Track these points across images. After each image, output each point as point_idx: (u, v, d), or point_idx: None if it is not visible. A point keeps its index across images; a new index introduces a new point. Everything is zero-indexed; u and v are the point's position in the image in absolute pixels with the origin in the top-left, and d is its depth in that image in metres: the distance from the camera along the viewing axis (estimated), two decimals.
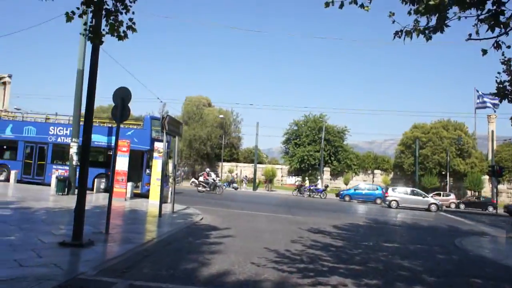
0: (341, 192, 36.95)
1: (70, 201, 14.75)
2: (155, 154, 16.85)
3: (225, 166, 53.16)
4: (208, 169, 39.23)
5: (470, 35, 6.21)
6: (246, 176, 47.39)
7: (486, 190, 44.93)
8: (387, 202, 29.37)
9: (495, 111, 48.15)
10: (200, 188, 29.74)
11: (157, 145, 16.84)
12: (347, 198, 34.66)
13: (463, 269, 8.44)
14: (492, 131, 46.01)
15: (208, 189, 29.31)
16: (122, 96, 9.01)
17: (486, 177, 44.77)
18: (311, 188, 37.92)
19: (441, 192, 39.37)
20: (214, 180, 30.48)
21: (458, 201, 37.84)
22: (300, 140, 50.61)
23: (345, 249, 9.31)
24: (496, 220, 25.62)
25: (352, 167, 49.76)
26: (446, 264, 8.73)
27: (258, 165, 51.32)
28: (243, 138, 65.07)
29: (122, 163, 17.32)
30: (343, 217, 18.35)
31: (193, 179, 39.66)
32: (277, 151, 68.35)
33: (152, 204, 15.83)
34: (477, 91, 47.34)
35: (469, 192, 44.24)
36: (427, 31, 6.06)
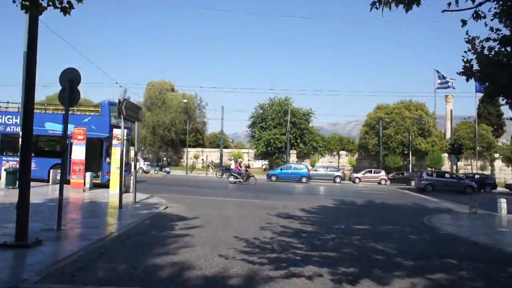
0: (268, 173, 37.20)
1: None
2: (114, 142, 15.90)
3: (191, 152, 52.14)
4: (240, 159, 37.92)
5: (449, 4, 5.82)
6: (212, 161, 46.67)
7: (446, 167, 46.57)
8: (422, 186, 29.13)
9: (454, 88, 49.47)
10: (231, 179, 27.91)
11: (116, 131, 15.87)
12: (273, 178, 34.66)
13: (436, 249, 8.28)
14: (451, 110, 47.49)
15: (241, 180, 27.42)
16: (70, 78, 8.10)
17: (446, 154, 46.36)
18: (227, 168, 36.85)
19: (372, 169, 41.33)
20: (247, 170, 28.81)
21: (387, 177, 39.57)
22: (266, 124, 50.26)
23: (317, 234, 8.96)
24: (458, 197, 26.35)
25: (318, 149, 50.08)
26: (419, 245, 8.57)
27: (224, 150, 50.68)
28: (208, 123, 64.20)
29: (78, 152, 16.27)
30: (313, 200, 18.17)
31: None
32: (243, 135, 67.81)
33: (112, 194, 14.93)
34: (438, 72, 48.50)
35: (428, 169, 45.46)
36: (406, 0, 5.59)
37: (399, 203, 18.92)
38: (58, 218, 7.78)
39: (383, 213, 14.73)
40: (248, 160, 51.01)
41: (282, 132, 48.04)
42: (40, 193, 14.27)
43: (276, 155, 48.86)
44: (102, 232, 7.89)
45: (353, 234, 9.30)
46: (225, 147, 54.16)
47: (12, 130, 19.54)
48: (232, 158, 46.27)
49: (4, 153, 19.76)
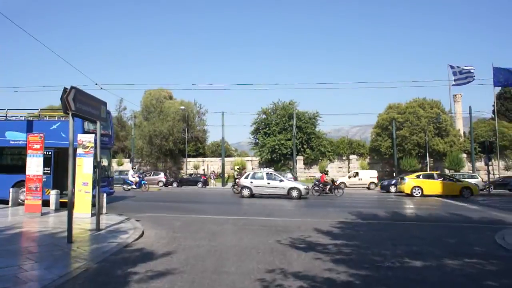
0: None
1: None
2: (81, 151, 12.52)
3: (190, 162, 48.92)
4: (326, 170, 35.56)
5: None
6: (213, 171, 43.31)
7: (466, 169, 42.89)
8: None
9: (473, 79, 45.19)
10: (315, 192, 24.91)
11: (82, 138, 12.53)
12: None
13: None
14: (470, 107, 43.82)
15: (329, 192, 24.95)
16: None
17: (465, 155, 42.78)
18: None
19: (152, 171, 41.01)
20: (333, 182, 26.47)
21: (172, 180, 38.84)
22: (269, 129, 47.02)
23: None
24: (478, 200, 22.75)
25: (327, 154, 46.68)
26: None
27: (227, 159, 47.41)
28: (208, 131, 61.08)
29: (34, 166, 12.89)
30: (327, 213, 14.70)
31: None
32: (246, 143, 64.50)
33: (77, 218, 11.47)
34: (452, 67, 44.77)
35: (447, 171, 41.64)
36: None
37: (434, 214, 15.35)
38: None
39: (430, 231, 11.16)
40: (253, 169, 47.62)
41: (287, 137, 44.74)
42: None
43: (282, 162, 45.47)
44: None
45: (416, 280, 5.85)
46: (228, 156, 50.83)
47: None
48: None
49: None
